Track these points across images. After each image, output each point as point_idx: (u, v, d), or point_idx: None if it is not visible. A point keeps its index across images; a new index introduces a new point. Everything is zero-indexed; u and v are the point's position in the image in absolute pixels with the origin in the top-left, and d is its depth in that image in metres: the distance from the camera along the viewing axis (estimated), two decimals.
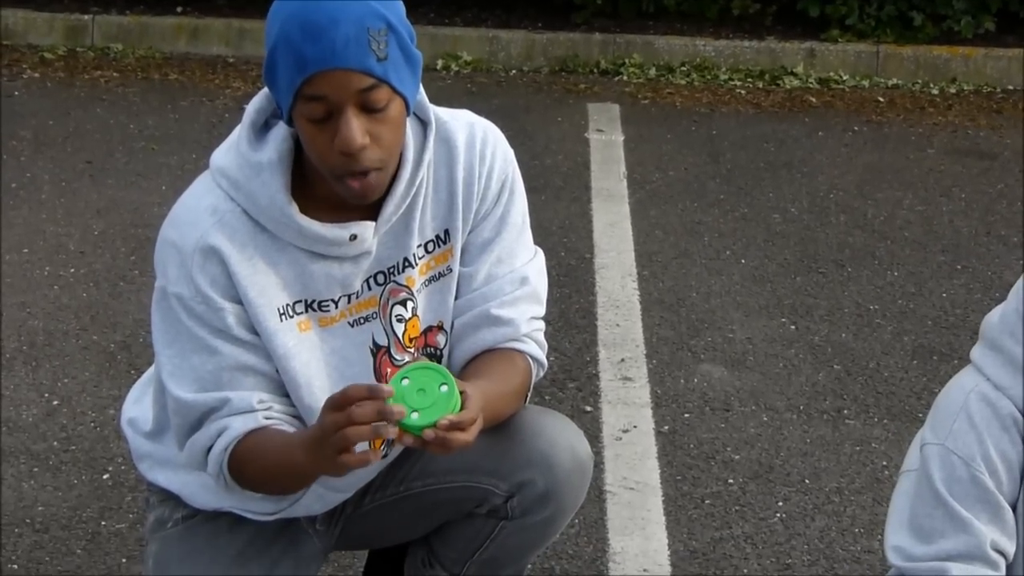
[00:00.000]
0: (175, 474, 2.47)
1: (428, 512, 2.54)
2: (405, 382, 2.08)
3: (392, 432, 2.04)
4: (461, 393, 2.11)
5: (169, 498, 2.51)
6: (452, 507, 2.51)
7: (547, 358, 2.48)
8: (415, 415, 2.07)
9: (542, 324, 2.47)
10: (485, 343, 2.40)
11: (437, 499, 2.51)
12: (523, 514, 2.46)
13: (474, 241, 2.40)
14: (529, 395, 2.46)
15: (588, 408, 3.94)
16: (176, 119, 6.48)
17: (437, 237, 2.37)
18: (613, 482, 3.55)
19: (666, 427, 3.86)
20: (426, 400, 2.07)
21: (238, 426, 2.27)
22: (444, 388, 2.08)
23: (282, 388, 2.31)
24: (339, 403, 2.06)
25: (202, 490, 2.44)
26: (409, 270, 2.35)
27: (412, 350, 2.39)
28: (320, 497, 2.46)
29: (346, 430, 2.03)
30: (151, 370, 2.51)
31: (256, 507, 2.44)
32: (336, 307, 2.32)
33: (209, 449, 2.29)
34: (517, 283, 2.41)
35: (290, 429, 2.29)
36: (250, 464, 2.26)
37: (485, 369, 2.37)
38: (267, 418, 2.28)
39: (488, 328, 2.40)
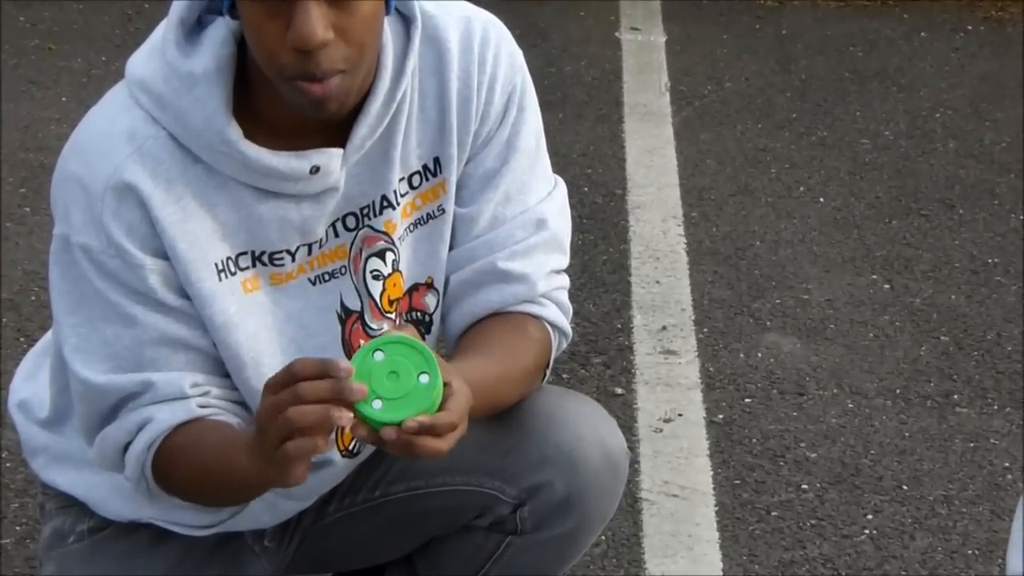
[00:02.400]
0: (79, 474, 2.48)
1: (412, 524, 2.55)
2: (378, 355, 2.06)
3: (345, 419, 2.00)
4: (446, 386, 2.08)
5: (71, 505, 2.52)
6: (443, 518, 2.52)
7: (571, 324, 2.49)
8: (377, 403, 2.03)
9: (565, 280, 2.47)
10: (491, 305, 2.41)
11: (424, 507, 2.52)
12: (536, 527, 2.47)
13: (474, 173, 2.40)
14: (548, 373, 2.47)
15: (619, 391, 3.95)
16: (80, 10, 6.48)
17: (425, 168, 2.37)
18: (651, 487, 3.57)
19: (720, 416, 3.87)
20: (398, 388, 2.04)
21: (165, 418, 2.27)
22: (424, 378, 2.05)
23: (222, 367, 2.32)
24: (282, 382, 2.03)
25: (114, 495, 2.45)
26: (388, 211, 2.35)
27: (393, 316, 2.40)
28: (271, 505, 2.46)
29: (289, 411, 2.00)
30: (47, 337, 2.52)
31: (186, 518, 2.44)
32: (293, 260, 2.32)
33: (127, 446, 2.29)
34: (532, 227, 2.41)
35: (233, 421, 2.30)
36: (180, 467, 2.26)
37: (487, 341, 2.38)
38: (202, 407, 2.28)
39: (494, 286, 2.40)
